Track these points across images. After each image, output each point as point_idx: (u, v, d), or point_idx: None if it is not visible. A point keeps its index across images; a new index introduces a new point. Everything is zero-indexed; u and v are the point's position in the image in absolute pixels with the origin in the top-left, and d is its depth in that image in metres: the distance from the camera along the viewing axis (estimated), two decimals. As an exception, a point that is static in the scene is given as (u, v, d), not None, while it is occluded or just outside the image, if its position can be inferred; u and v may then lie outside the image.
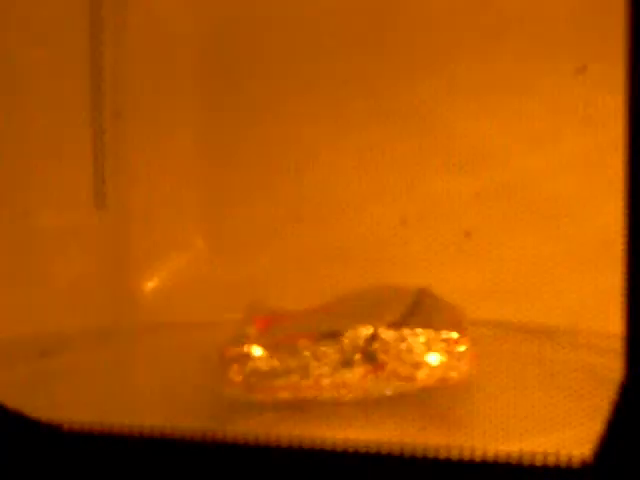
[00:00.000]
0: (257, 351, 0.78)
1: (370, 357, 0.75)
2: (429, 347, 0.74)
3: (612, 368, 0.59)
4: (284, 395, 0.77)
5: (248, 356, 0.78)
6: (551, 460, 0.57)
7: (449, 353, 0.73)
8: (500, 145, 1.00)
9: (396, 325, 0.77)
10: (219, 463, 0.63)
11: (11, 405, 0.67)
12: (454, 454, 0.59)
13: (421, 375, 0.74)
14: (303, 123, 1.05)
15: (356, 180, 1.04)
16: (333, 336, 0.77)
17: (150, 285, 1.09)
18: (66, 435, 0.64)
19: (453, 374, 0.74)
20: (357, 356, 0.75)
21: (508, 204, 0.97)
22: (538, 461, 0.58)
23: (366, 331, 0.76)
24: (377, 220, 1.02)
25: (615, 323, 0.59)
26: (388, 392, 0.74)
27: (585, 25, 0.94)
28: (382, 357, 0.75)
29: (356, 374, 0.75)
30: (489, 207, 0.97)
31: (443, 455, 0.59)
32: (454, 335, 0.74)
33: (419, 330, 0.75)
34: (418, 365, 0.74)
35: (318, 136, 1.05)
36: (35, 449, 0.65)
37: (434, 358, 0.74)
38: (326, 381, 0.76)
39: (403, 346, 0.75)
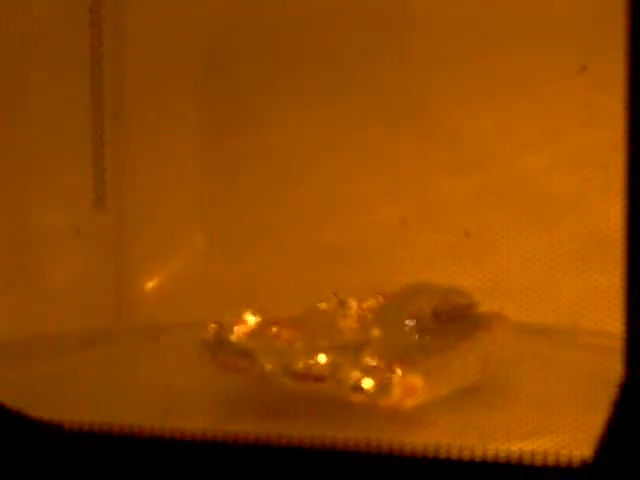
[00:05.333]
0: (241, 329, 0.82)
1: (309, 370, 0.77)
2: (366, 372, 0.76)
3: (612, 368, 0.59)
4: (240, 375, 0.80)
5: (230, 327, 0.82)
6: (551, 460, 0.57)
7: (380, 381, 0.75)
8: (500, 145, 1.00)
9: (346, 342, 0.80)
10: (218, 463, 0.63)
11: (12, 405, 0.67)
12: (454, 454, 0.59)
13: (354, 397, 0.76)
14: (303, 123, 1.05)
15: (356, 180, 1.04)
16: (291, 342, 0.80)
17: (150, 285, 1.09)
18: (66, 435, 0.64)
19: (382, 401, 0.75)
20: (300, 364, 0.77)
21: (508, 204, 0.97)
22: (538, 461, 0.58)
23: (317, 343, 0.79)
24: (377, 220, 1.02)
25: (615, 323, 0.59)
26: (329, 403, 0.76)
27: (585, 25, 0.94)
28: (319, 372, 0.77)
29: (295, 381, 0.78)
30: (489, 207, 0.97)
31: (443, 455, 0.59)
32: (393, 365, 0.76)
33: (364, 353, 0.77)
34: (352, 387, 0.76)
35: (318, 136, 1.05)
36: (36, 449, 0.65)
37: (367, 383, 0.75)
38: (271, 379, 0.78)
39: (343, 365, 0.77)
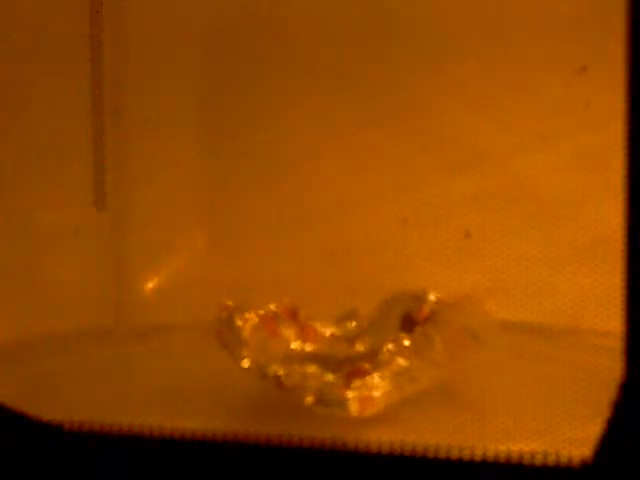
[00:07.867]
0: (252, 315, 0.84)
1: (277, 377, 0.79)
2: (325, 387, 0.78)
3: (612, 368, 0.59)
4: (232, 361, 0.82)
5: (242, 313, 0.84)
6: (551, 460, 0.57)
7: (336, 397, 0.77)
8: (500, 145, 1.00)
9: (318, 355, 0.84)
10: (219, 463, 0.63)
11: (12, 405, 0.67)
12: (454, 454, 0.59)
13: (315, 410, 0.77)
14: (303, 123, 1.05)
15: (356, 180, 1.04)
16: (279, 344, 0.84)
17: (150, 285, 1.09)
18: (67, 435, 0.64)
19: (340, 414, 0.77)
20: (272, 369, 0.80)
21: (508, 204, 0.97)
22: (538, 461, 0.58)
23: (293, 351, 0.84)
24: (377, 220, 1.02)
25: (615, 323, 0.59)
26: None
27: (585, 25, 0.95)
28: (286, 380, 0.79)
29: (266, 381, 0.80)
30: (489, 207, 0.97)
31: (443, 455, 0.59)
32: (351, 380, 0.78)
33: (329, 367, 0.80)
34: (311, 398, 0.78)
35: (318, 136, 1.05)
36: (36, 449, 0.65)
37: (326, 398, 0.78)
38: (249, 373, 0.81)
39: (308, 378, 0.79)
